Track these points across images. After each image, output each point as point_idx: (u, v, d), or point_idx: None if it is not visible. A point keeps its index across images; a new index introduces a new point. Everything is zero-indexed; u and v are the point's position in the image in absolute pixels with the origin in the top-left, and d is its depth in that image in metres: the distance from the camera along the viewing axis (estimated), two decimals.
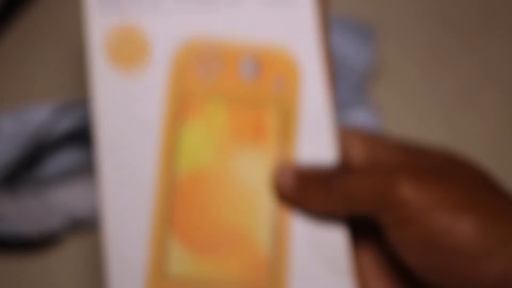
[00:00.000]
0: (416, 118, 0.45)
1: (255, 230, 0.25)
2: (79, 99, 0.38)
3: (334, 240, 0.26)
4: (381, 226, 0.25)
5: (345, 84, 0.42)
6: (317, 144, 0.26)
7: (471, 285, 0.24)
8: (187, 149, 0.26)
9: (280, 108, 0.26)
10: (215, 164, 0.26)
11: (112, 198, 0.25)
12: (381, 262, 0.27)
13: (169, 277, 0.25)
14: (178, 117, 0.26)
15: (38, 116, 0.35)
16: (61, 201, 0.42)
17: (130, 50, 0.26)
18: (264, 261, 0.25)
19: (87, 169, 0.42)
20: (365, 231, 0.28)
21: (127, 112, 0.26)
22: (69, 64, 0.47)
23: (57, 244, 0.42)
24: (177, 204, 0.25)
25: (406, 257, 0.24)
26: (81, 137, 0.40)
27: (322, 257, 0.26)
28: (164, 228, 0.25)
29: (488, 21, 0.48)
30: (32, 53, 0.47)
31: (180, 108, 0.26)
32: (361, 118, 0.41)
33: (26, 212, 0.39)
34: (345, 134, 0.27)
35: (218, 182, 0.26)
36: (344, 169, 0.25)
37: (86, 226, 0.42)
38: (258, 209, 0.26)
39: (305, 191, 0.25)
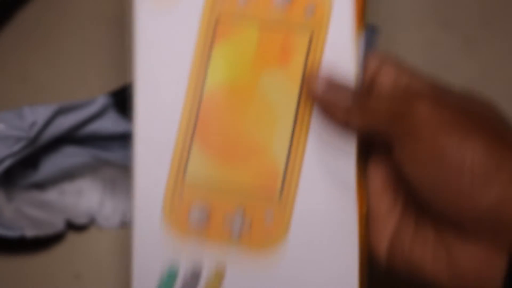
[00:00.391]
0: None
1: (272, 143, 0.27)
2: (79, 99, 0.38)
3: (343, 158, 0.27)
4: (393, 142, 0.26)
5: None
6: (342, 68, 0.28)
7: (465, 208, 0.24)
8: (216, 67, 0.28)
9: (308, 33, 0.28)
10: (240, 81, 0.28)
11: (145, 108, 0.27)
12: (388, 181, 0.29)
13: (188, 178, 0.27)
14: (210, 38, 0.28)
15: (36, 116, 0.35)
16: (60, 200, 0.42)
17: None
18: (277, 171, 0.27)
19: (86, 169, 0.42)
20: (377, 151, 0.29)
21: (165, 39, 0.28)
22: (69, 64, 0.47)
23: (57, 244, 0.42)
24: (202, 116, 0.27)
25: (411, 173, 0.26)
26: (81, 137, 0.39)
27: (330, 172, 0.27)
28: (188, 135, 0.27)
29: (488, 21, 0.47)
30: (31, 53, 0.47)
31: (212, 30, 0.28)
32: None
33: (24, 212, 0.39)
34: (376, 59, 0.29)
35: (242, 97, 0.28)
36: (369, 88, 0.27)
37: (86, 225, 0.42)
38: (277, 124, 0.27)
39: (332, 96, 0.27)
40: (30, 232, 0.37)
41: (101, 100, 0.38)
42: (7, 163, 0.35)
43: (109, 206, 0.42)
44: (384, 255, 0.28)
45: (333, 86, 0.27)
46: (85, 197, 0.42)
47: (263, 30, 0.28)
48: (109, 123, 0.39)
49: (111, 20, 0.48)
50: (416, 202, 0.28)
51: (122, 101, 0.39)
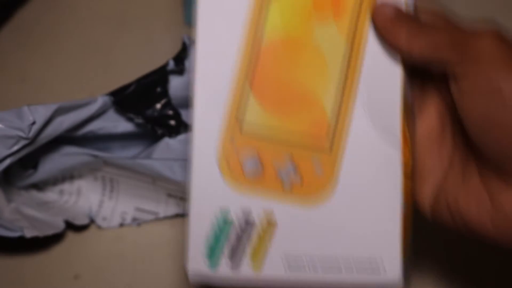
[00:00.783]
0: None
1: (324, 94, 0.28)
2: (79, 99, 0.38)
3: (390, 110, 0.28)
4: (452, 70, 0.26)
5: None
6: None
7: None
8: (272, 19, 0.29)
9: None
10: (295, 34, 0.29)
11: (204, 58, 0.29)
12: (435, 131, 0.30)
13: (244, 128, 0.28)
14: None
15: (35, 115, 0.35)
16: (59, 201, 0.42)
17: None
18: (327, 122, 0.28)
19: (86, 169, 0.42)
20: (426, 95, 0.30)
21: None
22: (68, 64, 0.47)
23: (57, 244, 0.42)
24: (259, 66, 0.28)
25: (465, 105, 0.26)
26: (80, 137, 0.39)
27: (377, 124, 0.28)
28: (246, 85, 0.28)
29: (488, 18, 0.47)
30: (31, 53, 0.47)
31: None
32: None
33: (24, 212, 0.38)
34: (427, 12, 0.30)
35: (297, 48, 0.29)
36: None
37: (85, 225, 0.42)
38: (329, 76, 0.28)
39: (398, 23, 0.27)
40: (29, 232, 0.37)
41: (100, 100, 0.38)
42: (6, 163, 0.35)
43: (109, 206, 0.42)
44: (429, 205, 0.29)
45: (399, 11, 0.28)
46: (85, 197, 0.42)
47: None
48: (109, 123, 0.39)
49: (111, 20, 0.48)
50: (463, 149, 0.28)
51: (122, 101, 0.39)
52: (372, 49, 0.28)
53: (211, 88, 0.28)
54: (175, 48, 0.43)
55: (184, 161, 0.38)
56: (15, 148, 0.35)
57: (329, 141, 0.28)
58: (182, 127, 0.39)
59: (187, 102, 0.40)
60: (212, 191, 0.28)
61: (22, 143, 0.35)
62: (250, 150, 0.28)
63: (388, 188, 0.28)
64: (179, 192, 0.41)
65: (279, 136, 0.28)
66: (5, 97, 0.46)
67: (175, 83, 0.40)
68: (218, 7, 0.29)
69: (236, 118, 0.28)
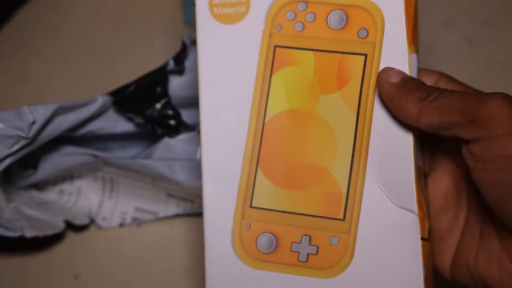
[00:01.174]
0: None
1: (333, 167, 0.28)
2: (79, 99, 0.38)
3: (403, 177, 0.27)
4: (464, 140, 0.26)
5: None
6: None
7: None
8: (276, 92, 0.28)
9: (362, 55, 0.28)
10: (299, 105, 0.28)
11: (209, 133, 0.28)
12: (449, 194, 0.29)
13: (255, 206, 0.28)
14: (270, 64, 0.29)
15: (35, 115, 0.35)
16: (59, 201, 0.42)
17: (230, 3, 0.29)
18: (339, 191, 0.28)
19: (86, 169, 0.41)
20: (438, 159, 0.30)
21: (226, 56, 0.29)
22: (69, 64, 0.47)
23: (57, 244, 0.42)
24: (265, 142, 0.28)
25: (480, 171, 0.25)
26: (80, 137, 0.39)
27: (391, 192, 0.27)
28: (253, 162, 0.28)
29: (490, 20, 0.47)
30: (31, 53, 0.47)
31: (272, 56, 0.29)
32: None
33: (24, 212, 0.38)
34: (432, 75, 0.30)
35: (302, 122, 0.28)
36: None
37: (85, 225, 0.42)
38: (337, 148, 0.28)
39: (405, 91, 0.26)
40: (29, 232, 0.37)
41: (100, 100, 0.38)
42: (6, 163, 0.35)
43: (109, 206, 0.42)
44: (448, 267, 0.29)
45: (406, 77, 0.27)
46: (85, 197, 0.42)
47: (319, 55, 0.28)
48: (109, 123, 0.39)
49: (111, 20, 0.48)
50: (480, 211, 0.28)
51: (122, 101, 0.39)
52: (380, 115, 0.28)
53: (218, 167, 0.28)
54: (175, 48, 0.43)
55: (184, 161, 0.38)
56: (15, 147, 0.35)
57: (343, 211, 0.28)
58: (182, 127, 0.39)
59: (187, 102, 0.40)
60: (227, 270, 0.28)
61: (22, 142, 0.35)
62: (263, 225, 0.28)
63: (408, 252, 0.27)
64: (179, 192, 0.41)
65: (291, 209, 0.28)
66: (5, 97, 0.46)
67: (175, 83, 0.40)
68: (219, 84, 0.29)
69: (246, 195, 0.28)
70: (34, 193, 0.41)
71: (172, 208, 0.42)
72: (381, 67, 0.28)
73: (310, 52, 0.28)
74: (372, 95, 0.28)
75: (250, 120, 0.28)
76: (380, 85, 0.27)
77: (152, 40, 0.47)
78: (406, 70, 0.28)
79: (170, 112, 0.39)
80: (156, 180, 0.40)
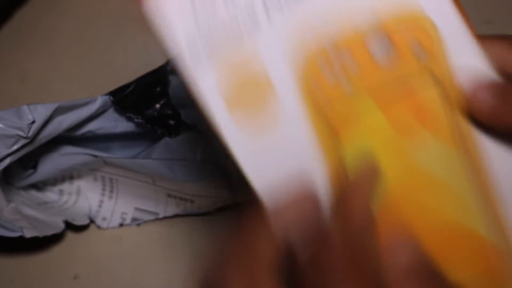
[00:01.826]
0: None
1: (470, 220, 0.21)
2: (78, 99, 0.38)
3: None
4: None
5: None
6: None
7: None
8: (350, 163, 0.21)
9: (432, 78, 0.22)
10: (395, 171, 0.21)
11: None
12: None
13: None
14: (333, 138, 0.22)
15: (35, 115, 0.35)
16: (59, 201, 0.42)
17: (250, 92, 0.22)
18: (493, 248, 0.22)
19: (85, 169, 0.41)
20: None
21: (274, 162, 0.22)
22: (68, 64, 0.47)
23: (56, 244, 0.42)
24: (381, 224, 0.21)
25: None
26: (80, 136, 0.39)
27: None
28: None
29: (490, 20, 0.47)
30: (31, 53, 0.47)
31: (329, 128, 0.22)
32: None
33: (23, 212, 0.38)
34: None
35: (410, 188, 0.21)
36: None
37: (85, 225, 0.42)
38: (463, 198, 0.21)
39: (504, 103, 0.21)
40: (29, 233, 0.37)
41: (100, 100, 0.38)
42: (6, 163, 0.35)
43: (108, 206, 0.42)
44: None
45: (501, 89, 0.21)
46: (84, 197, 0.42)
47: (382, 101, 0.22)
48: (108, 123, 0.39)
49: (111, 20, 0.48)
50: None
51: (121, 100, 0.39)
52: (490, 143, 0.22)
53: None
54: None
55: (184, 161, 0.38)
56: (15, 147, 0.35)
57: (505, 269, 0.22)
58: (182, 127, 0.39)
59: (187, 102, 0.40)
60: None
61: (22, 142, 0.35)
62: None
63: None
64: (178, 192, 0.41)
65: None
66: (5, 97, 0.46)
67: (175, 83, 0.40)
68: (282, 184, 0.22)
69: None
70: (34, 193, 0.41)
71: (172, 208, 0.42)
72: (458, 74, 0.22)
73: (368, 102, 0.22)
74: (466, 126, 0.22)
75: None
76: (473, 110, 0.22)
77: (152, 40, 0.47)
78: (487, 64, 0.22)
79: (170, 112, 0.39)
80: (156, 180, 0.40)
